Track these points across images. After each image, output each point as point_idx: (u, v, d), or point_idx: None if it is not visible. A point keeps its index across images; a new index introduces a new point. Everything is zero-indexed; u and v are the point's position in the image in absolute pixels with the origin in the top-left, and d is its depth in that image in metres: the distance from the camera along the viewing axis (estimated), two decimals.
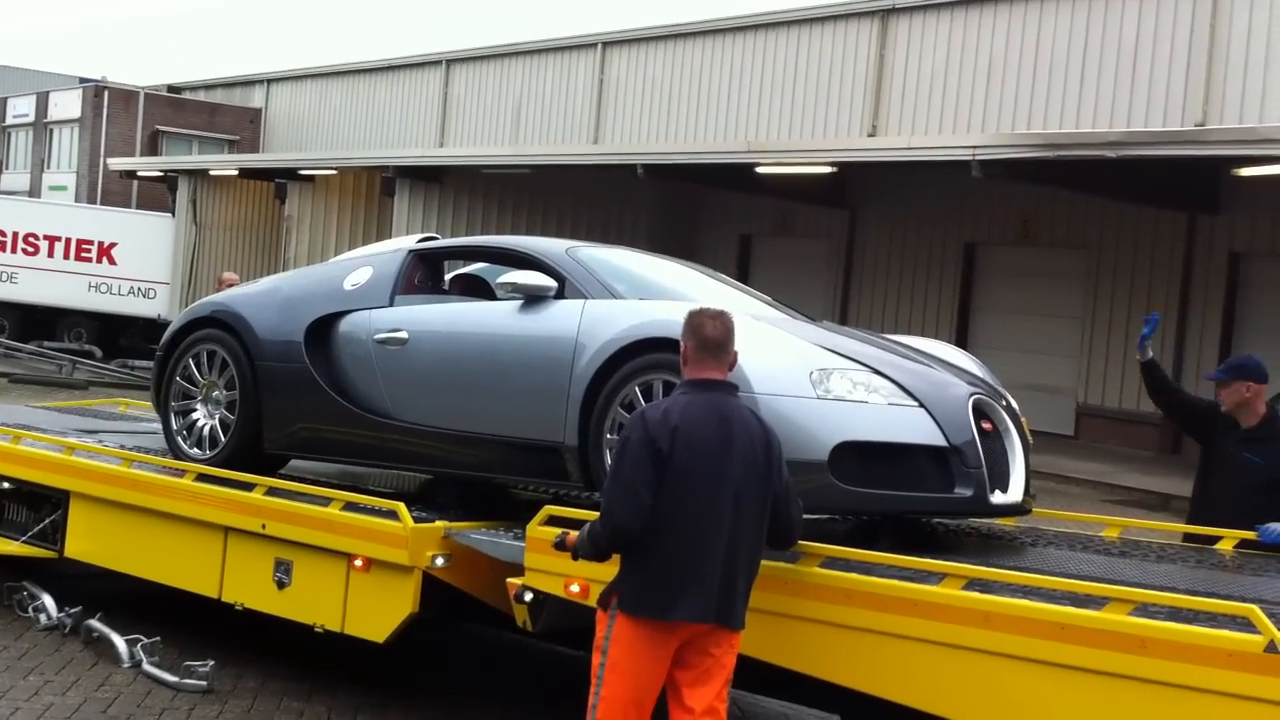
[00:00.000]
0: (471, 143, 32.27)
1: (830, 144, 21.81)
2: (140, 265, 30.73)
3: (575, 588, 5.31)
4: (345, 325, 6.94)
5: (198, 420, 7.27)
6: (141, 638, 6.67)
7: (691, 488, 4.41)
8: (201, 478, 6.81)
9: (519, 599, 5.49)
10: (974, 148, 17.14)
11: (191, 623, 7.23)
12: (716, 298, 6.63)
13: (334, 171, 28.57)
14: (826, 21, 24.88)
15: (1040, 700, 4.27)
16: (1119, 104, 20.86)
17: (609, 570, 5.06)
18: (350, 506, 6.19)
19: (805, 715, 6.68)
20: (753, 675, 5.02)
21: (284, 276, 7.93)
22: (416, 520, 5.89)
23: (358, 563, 6.07)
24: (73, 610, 7.17)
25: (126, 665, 6.58)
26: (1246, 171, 15.74)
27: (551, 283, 6.25)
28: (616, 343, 5.76)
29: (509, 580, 5.56)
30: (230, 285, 11.32)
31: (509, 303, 6.40)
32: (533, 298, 6.26)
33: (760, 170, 20.19)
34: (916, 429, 5.46)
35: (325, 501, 6.28)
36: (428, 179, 25.78)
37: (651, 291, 6.43)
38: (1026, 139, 17.33)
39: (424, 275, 7.08)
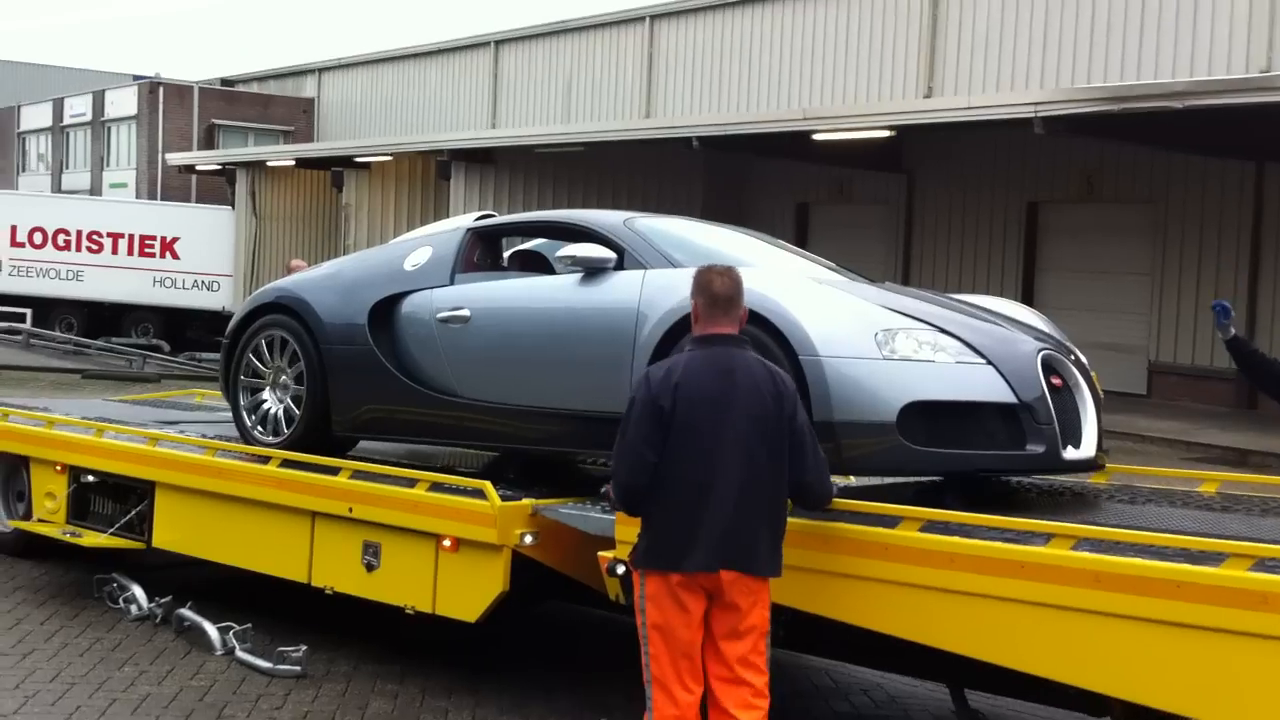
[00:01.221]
0: (523, 123, 32.25)
1: (887, 107, 21.55)
2: (202, 259, 31.04)
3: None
4: (407, 306, 6.95)
5: (266, 405, 7.32)
6: (234, 625, 6.70)
7: (693, 441, 4.47)
8: (286, 463, 6.82)
9: (611, 572, 5.45)
10: (1036, 104, 16.87)
11: (281, 608, 7.27)
12: (776, 263, 6.57)
13: (389, 158, 28.64)
14: None
15: (1155, 660, 4.17)
16: (1180, 54, 20.46)
17: None
18: (436, 487, 6.17)
19: (907, 686, 6.61)
20: (851, 644, 4.96)
21: (345, 260, 7.95)
22: (503, 499, 5.87)
23: (446, 543, 6.06)
24: (163, 600, 7.22)
25: (220, 653, 6.62)
26: None
27: (610, 254, 6.22)
28: (678, 311, 5.71)
29: (600, 554, 5.52)
30: (300, 270, 11.39)
31: (569, 276, 6.38)
32: (592, 270, 6.23)
33: (817, 137, 19.99)
34: (985, 386, 5.40)
35: (411, 483, 6.26)
36: (482, 161, 25.84)
37: (711, 259, 6.35)
38: (1089, 93, 17.03)
39: (483, 253, 7.07)
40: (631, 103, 29.55)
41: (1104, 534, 4.46)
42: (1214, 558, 4.17)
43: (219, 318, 28.85)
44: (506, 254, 7.40)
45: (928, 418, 5.26)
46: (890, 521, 4.80)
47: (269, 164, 32.04)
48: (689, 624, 4.49)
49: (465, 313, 6.65)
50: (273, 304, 7.45)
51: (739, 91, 27.22)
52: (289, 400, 7.22)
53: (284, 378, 7.27)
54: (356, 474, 6.51)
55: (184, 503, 7.33)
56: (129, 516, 7.59)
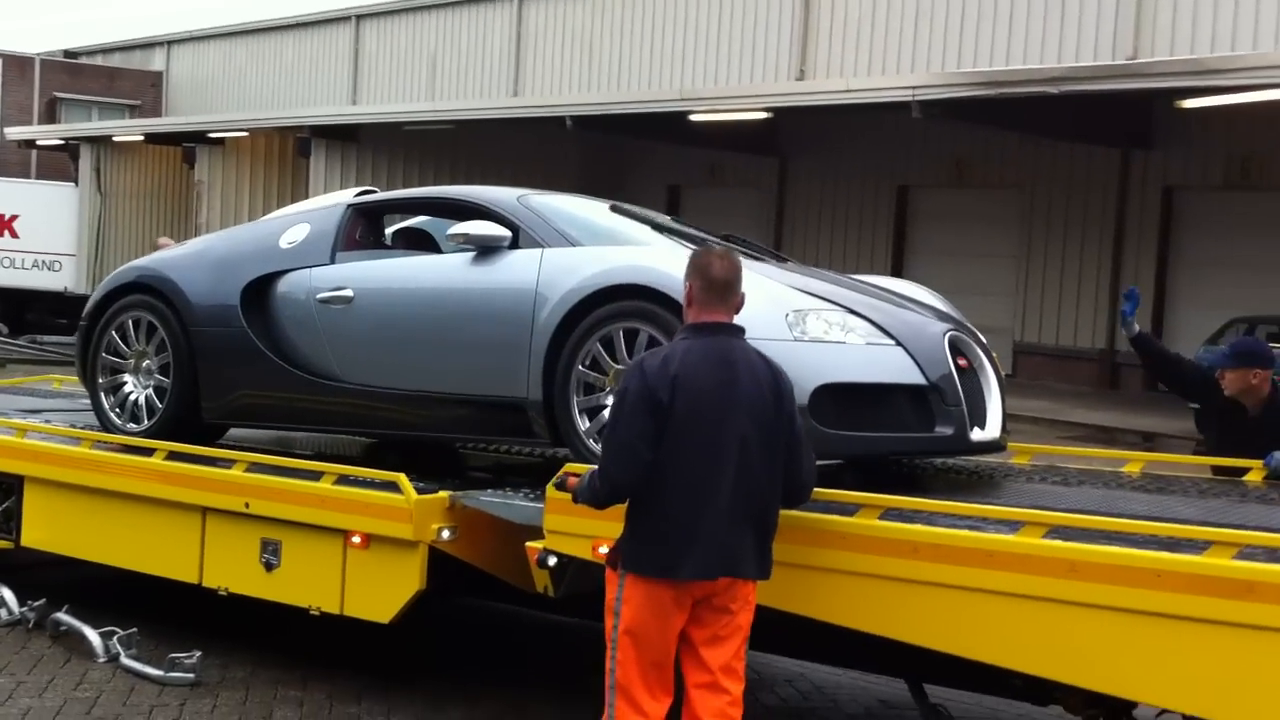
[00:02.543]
0: (385, 100, 31.50)
1: (765, 89, 21.47)
2: (44, 237, 29.60)
3: (605, 549, 4.96)
4: (284, 285, 6.54)
5: (129, 391, 6.83)
6: (117, 630, 6.20)
7: (694, 438, 4.14)
8: (173, 455, 6.33)
9: (542, 564, 5.14)
10: (914, 88, 16.94)
11: (166, 611, 6.77)
12: (676, 244, 6.30)
13: (245, 134, 27.73)
14: None
15: (1134, 651, 4.01)
16: (1049, 41, 20.74)
17: None
18: (344, 480, 5.76)
19: (831, 676, 6.41)
20: (806, 639, 4.72)
21: (214, 237, 7.47)
22: (418, 491, 5.50)
23: (355, 539, 5.65)
24: (35, 604, 6.66)
25: (102, 660, 6.11)
26: (1190, 103, 15.68)
27: (505, 232, 5.91)
28: (580, 291, 5.47)
29: (529, 545, 5.20)
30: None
31: (460, 255, 6.04)
32: (486, 249, 5.91)
33: (694, 118, 19.82)
34: (895, 368, 5.27)
35: (315, 475, 5.84)
36: (344, 138, 25.17)
37: (608, 239, 6.10)
38: (966, 77, 17.13)
39: (365, 230, 6.69)
40: (499, 81, 29.05)
41: (1076, 521, 4.27)
42: (1192, 545, 4.01)
43: (61, 299, 27.57)
44: (389, 232, 7.01)
45: (839, 400, 5.10)
46: (847, 510, 4.56)
47: (116, 139, 30.78)
48: (668, 632, 4.18)
49: (348, 293, 6.27)
50: (135, 283, 6.94)
51: (610, 72, 26.91)
52: (153, 386, 6.75)
53: (147, 362, 6.78)
54: (253, 466, 6.06)
55: (57, 498, 6.77)
56: None
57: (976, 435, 5.41)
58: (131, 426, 6.78)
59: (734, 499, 4.15)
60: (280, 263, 6.58)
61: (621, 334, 5.35)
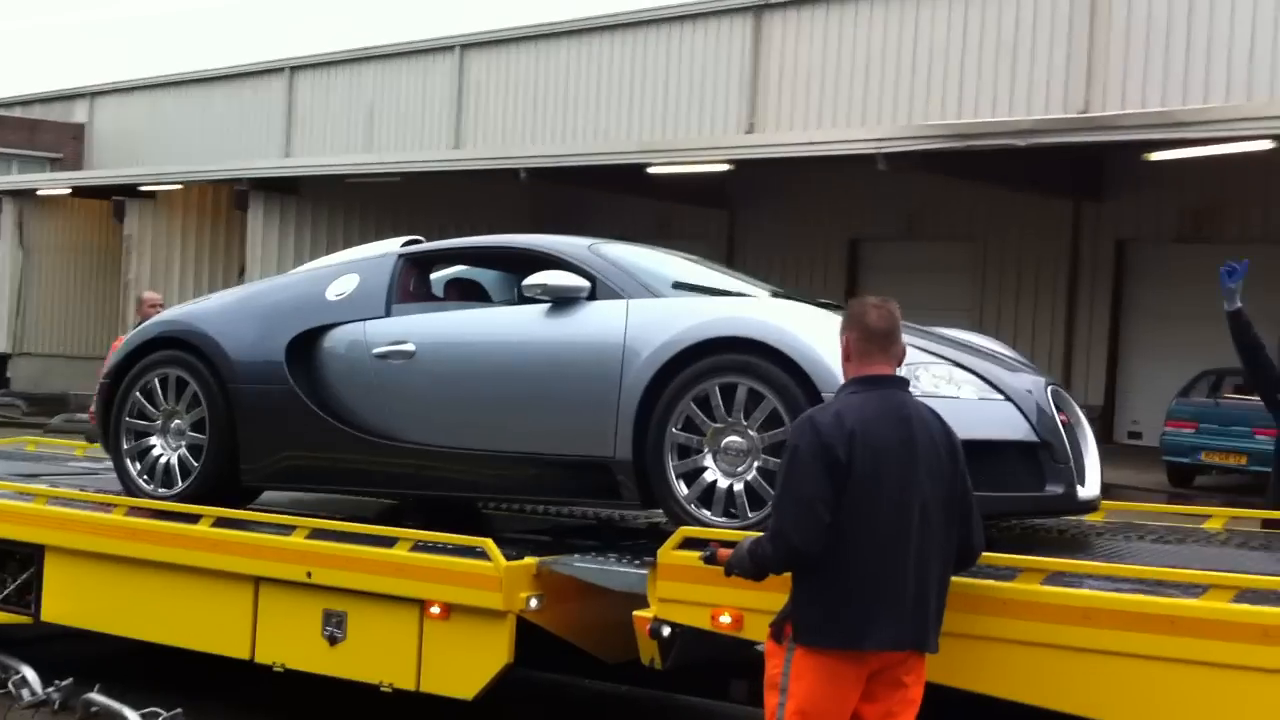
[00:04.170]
0: (321, 152, 31.01)
1: (727, 141, 21.37)
2: None
3: (726, 618, 4.70)
4: (333, 340, 6.22)
5: (157, 453, 6.45)
6: (159, 710, 5.77)
7: (876, 499, 3.88)
8: (221, 521, 5.93)
9: (655, 634, 4.83)
10: (879, 140, 16.94)
11: (205, 687, 6.33)
12: (757, 295, 6.08)
13: (178, 186, 27.09)
14: (699, 19, 24.50)
15: None
16: (1000, 95, 20.93)
17: (766, 598, 4.51)
18: (421, 546, 5.42)
19: None
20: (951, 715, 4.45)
21: (247, 290, 7.12)
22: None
23: (434, 610, 5.30)
24: (62, 683, 6.19)
25: None
26: (1157, 156, 15.83)
27: (585, 283, 5.65)
28: (675, 345, 5.23)
29: (637, 614, 4.90)
30: (154, 305, 10.32)
31: (532, 307, 5.77)
32: (562, 300, 5.63)
33: (653, 170, 19.67)
34: (1007, 424, 5.09)
35: (389, 541, 5.48)
36: (283, 190, 24.67)
37: (689, 289, 5.86)
38: (933, 130, 17.18)
39: (417, 281, 6.38)
40: (440, 132, 28.73)
41: (1265, 583, 4.07)
42: None
43: None
44: (442, 283, 6.69)
45: None
46: (1006, 574, 4.31)
47: (40, 192, 29.89)
48: (844, 709, 3.90)
49: (409, 347, 5.95)
50: (163, 338, 6.58)
51: (554, 125, 26.73)
52: (185, 445, 6.37)
53: (177, 421, 6.42)
54: (315, 533, 5.68)
55: (82, 569, 6.31)
56: (9, 587, 6.52)
57: (1082, 493, 5.24)
58: (162, 491, 6.38)
59: (918, 563, 3.90)
60: (329, 316, 6.24)
61: (718, 390, 5.10)
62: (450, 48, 28.85)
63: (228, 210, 26.93)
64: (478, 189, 23.91)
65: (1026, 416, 5.09)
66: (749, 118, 23.85)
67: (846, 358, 4.10)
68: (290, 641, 5.69)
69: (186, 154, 33.98)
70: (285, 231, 24.92)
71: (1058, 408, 5.32)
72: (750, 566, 4.09)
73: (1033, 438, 5.07)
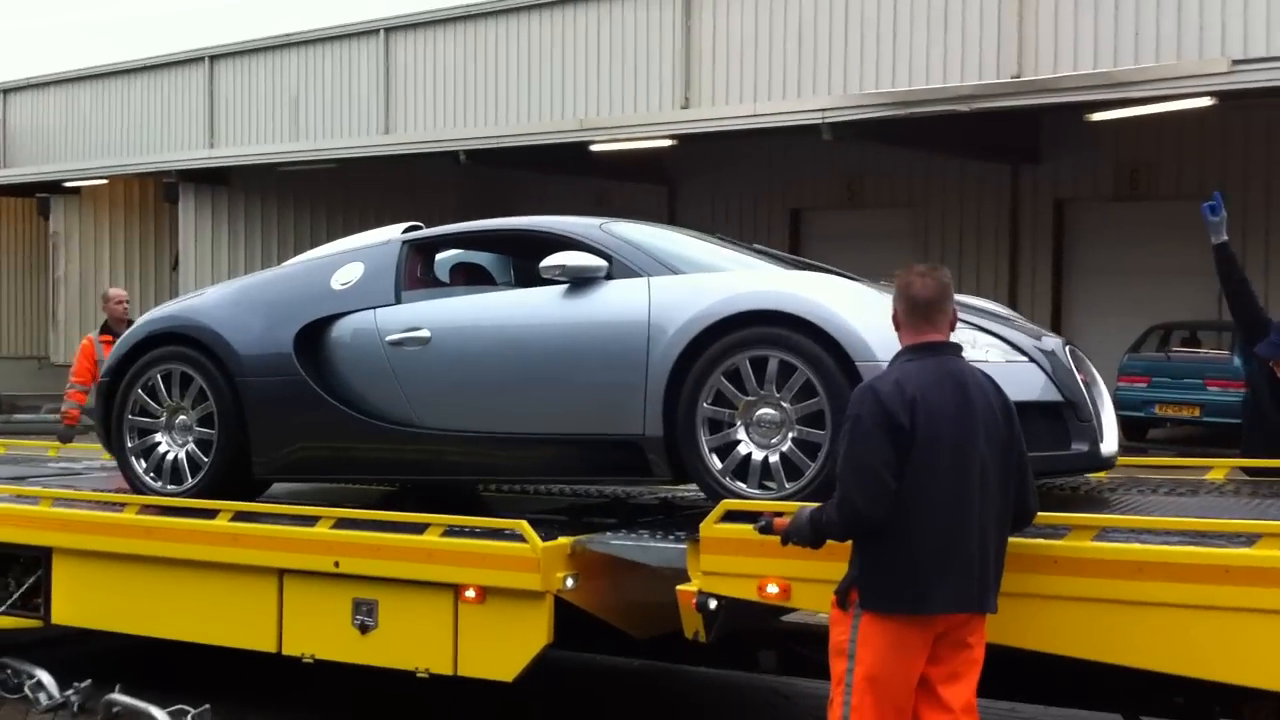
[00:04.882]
0: (244, 141, 30.57)
1: (669, 116, 21.31)
2: None
3: (773, 589, 4.75)
4: (342, 329, 6.18)
5: (163, 449, 6.39)
6: (187, 708, 5.71)
7: (938, 464, 3.95)
8: (240, 515, 5.88)
9: (701, 607, 4.87)
10: (824, 110, 17.02)
11: (222, 682, 6.27)
12: (776, 269, 6.12)
13: (104, 181, 26.61)
14: None
15: None
16: (933, 61, 21.02)
17: (813, 567, 4.58)
18: (453, 531, 5.41)
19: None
20: (1011, 674, 4.54)
21: (246, 282, 7.03)
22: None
23: (470, 594, 5.31)
24: (81, 685, 6.11)
25: None
26: (1099, 116, 16.07)
27: (602, 263, 5.65)
28: (703, 320, 5.24)
29: (680, 588, 4.93)
30: (120, 302, 10.15)
31: (548, 289, 5.76)
32: (579, 281, 5.64)
33: (595, 148, 19.62)
34: (1033, 385, 5.15)
35: (419, 528, 5.46)
36: (212, 181, 24.35)
37: (707, 265, 5.89)
38: (876, 98, 17.29)
39: (424, 267, 6.37)
40: (368, 118, 28.39)
41: None
42: None
43: None
44: (447, 268, 6.68)
45: None
46: (1056, 532, 4.40)
47: None
48: (913, 672, 3.97)
49: (424, 333, 5.93)
50: (165, 334, 6.50)
51: (485, 106, 26.51)
52: (193, 441, 6.32)
53: (183, 417, 6.36)
54: (341, 522, 5.65)
55: (93, 570, 6.24)
56: (15, 591, 6.42)
57: (1104, 450, 5.34)
58: (171, 488, 6.32)
59: (980, 526, 3.97)
60: (336, 305, 6.20)
61: (749, 363, 5.14)
62: (374, 31, 28.50)
63: (156, 203, 26.54)
64: (410, 173, 23.76)
65: (1050, 377, 5.17)
66: (684, 93, 23.83)
67: (898, 327, 4.16)
68: (319, 632, 5.66)
69: (107, 148, 33.37)
70: (218, 222, 24.60)
71: (1079, 367, 5.42)
72: (810, 534, 4.14)
73: (1058, 397, 5.15)
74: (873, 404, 3.94)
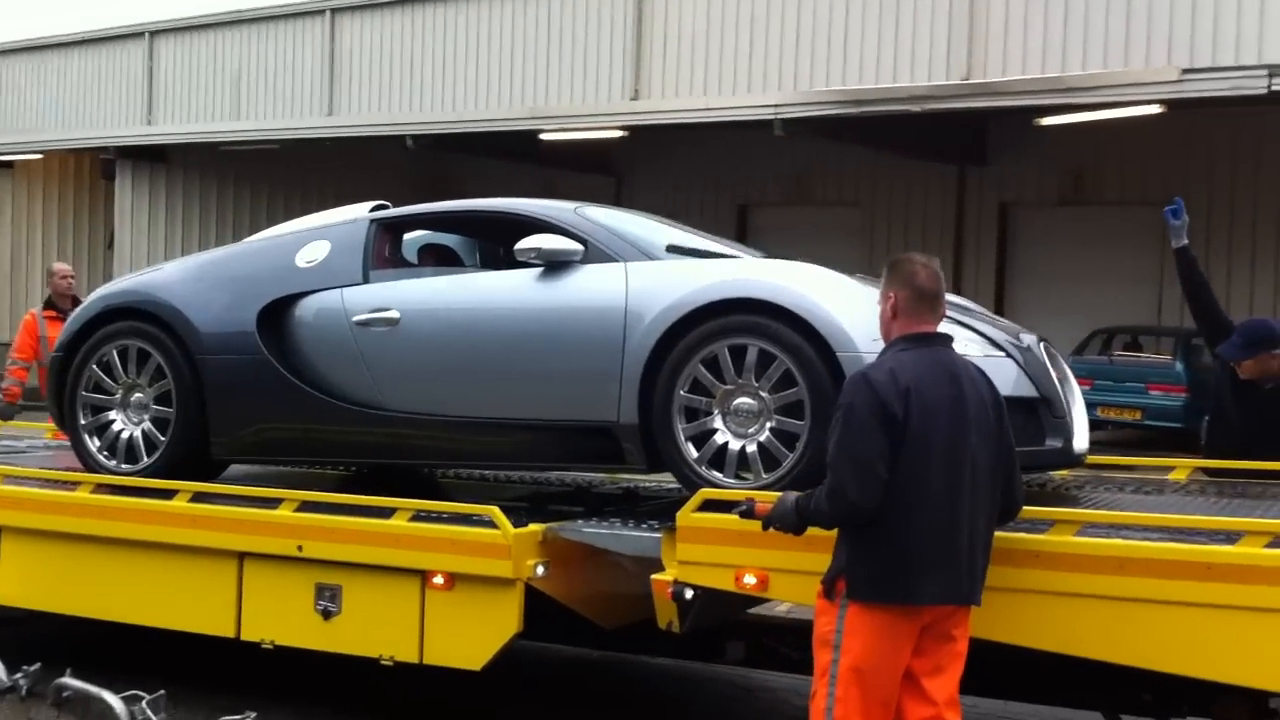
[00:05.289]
0: (184, 119, 30.09)
1: (621, 107, 21.27)
2: None
3: (750, 579, 4.71)
4: (306, 308, 6.07)
5: (118, 428, 6.26)
6: (141, 693, 5.56)
7: (930, 456, 3.94)
8: (199, 496, 5.75)
9: (678, 597, 4.82)
10: (776, 106, 17.02)
11: (179, 668, 6.14)
12: (750, 257, 6.09)
13: (39, 156, 26.13)
14: None
15: None
16: (884, 61, 21.11)
17: (792, 558, 4.55)
18: (421, 516, 5.32)
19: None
20: (987, 671, 4.53)
21: (205, 258, 6.87)
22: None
23: (438, 580, 5.22)
24: (29, 669, 5.94)
25: None
26: (1049, 120, 16.20)
27: (578, 246, 5.58)
28: (682, 307, 5.19)
29: (655, 577, 4.88)
30: (65, 277, 9.93)
31: (525, 271, 5.68)
32: (555, 264, 5.56)
33: (545, 137, 19.51)
34: (1010, 380, 5.10)
35: (386, 512, 5.36)
36: (151, 159, 23.96)
37: (684, 253, 5.84)
38: (830, 95, 17.34)
39: (392, 247, 6.26)
40: (312, 99, 28.05)
41: None
42: None
43: None
44: (415, 248, 6.58)
45: None
46: (1035, 526, 4.39)
47: None
48: (898, 664, 3.95)
49: (393, 314, 5.83)
50: (121, 309, 6.35)
51: (432, 91, 26.29)
52: (149, 419, 6.17)
53: (139, 395, 6.23)
54: (305, 505, 5.54)
55: (42, 550, 6.09)
56: None
57: (1077, 447, 5.36)
58: (125, 467, 6.18)
59: (969, 518, 3.95)
60: (301, 283, 6.08)
61: (727, 351, 5.10)
62: (320, 12, 28.17)
63: (92, 179, 26.11)
64: (353, 156, 23.51)
65: (1026, 372, 5.16)
66: (634, 84, 23.76)
67: (893, 315, 4.13)
68: (280, 618, 5.55)
69: (40, 123, 32.71)
70: (156, 201, 24.22)
71: (1050, 364, 5.42)
72: (795, 521, 4.11)
73: (1033, 393, 5.14)
74: (867, 393, 3.91)
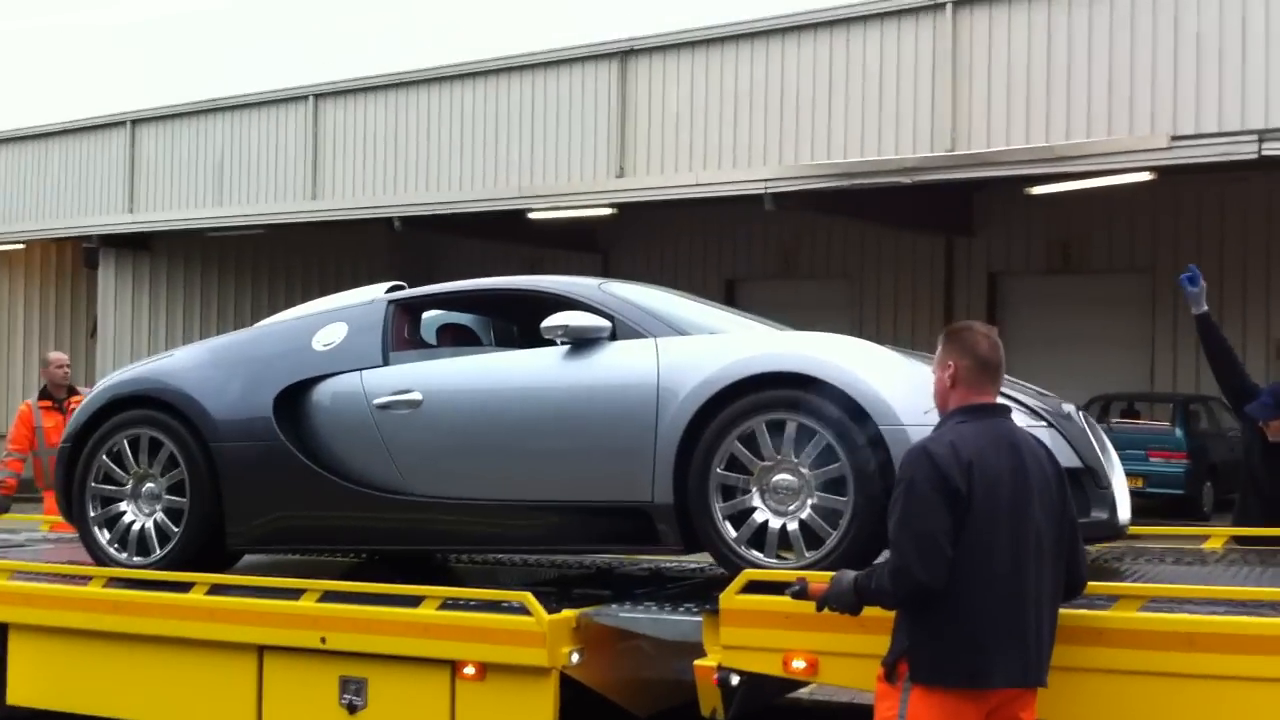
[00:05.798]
0: (166, 206, 30.06)
1: (610, 184, 21.26)
2: None
3: (800, 663, 4.56)
4: (324, 392, 5.94)
5: (129, 519, 6.10)
6: None
7: (995, 531, 3.82)
8: (217, 589, 5.57)
9: (723, 683, 4.65)
10: (766, 180, 17.06)
11: None
12: (783, 330, 6.00)
13: (20, 245, 26.03)
14: (563, 65, 24.41)
15: None
16: (868, 133, 21.25)
17: (843, 640, 4.40)
18: (450, 604, 5.15)
19: None
20: None
21: (219, 342, 6.76)
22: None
23: (468, 670, 5.05)
24: None
25: None
26: (1039, 189, 16.26)
27: (606, 323, 5.47)
28: (717, 382, 5.08)
29: (699, 663, 4.72)
30: (60, 366, 9.76)
31: (551, 350, 5.56)
32: (583, 341, 5.45)
33: (533, 216, 19.50)
34: (1055, 452, 5.03)
35: (414, 601, 5.19)
36: (135, 247, 23.88)
37: (712, 328, 5.73)
38: (819, 169, 17.37)
39: (411, 328, 6.15)
40: (296, 183, 28.07)
41: None
42: None
43: None
44: (428, 329, 6.46)
45: None
46: (1090, 603, 4.26)
47: None
48: None
49: (415, 396, 5.70)
50: (131, 398, 6.21)
51: (418, 173, 26.33)
52: (161, 512, 6.02)
53: (150, 485, 6.08)
54: (328, 595, 5.36)
55: (52, 647, 5.88)
56: None
57: (1121, 518, 5.23)
58: (137, 560, 6.01)
59: (1035, 595, 3.81)
60: (318, 367, 5.95)
61: (765, 426, 4.97)
62: (304, 97, 28.27)
63: (74, 268, 25.99)
64: (339, 238, 23.50)
65: (1070, 442, 5.06)
66: (619, 162, 23.83)
67: (952, 385, 4.02)
68: (302, 713, 5.38)
69: (20, 213, 32.66)
70: (139, 288, 24.12)
71: (1090, 433, 5.32)
72: (853, 601, 3.97)
73: (1077, 464, 5.04)
74: (928, 467, 3.79)
